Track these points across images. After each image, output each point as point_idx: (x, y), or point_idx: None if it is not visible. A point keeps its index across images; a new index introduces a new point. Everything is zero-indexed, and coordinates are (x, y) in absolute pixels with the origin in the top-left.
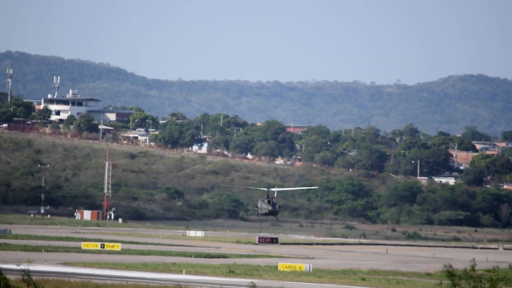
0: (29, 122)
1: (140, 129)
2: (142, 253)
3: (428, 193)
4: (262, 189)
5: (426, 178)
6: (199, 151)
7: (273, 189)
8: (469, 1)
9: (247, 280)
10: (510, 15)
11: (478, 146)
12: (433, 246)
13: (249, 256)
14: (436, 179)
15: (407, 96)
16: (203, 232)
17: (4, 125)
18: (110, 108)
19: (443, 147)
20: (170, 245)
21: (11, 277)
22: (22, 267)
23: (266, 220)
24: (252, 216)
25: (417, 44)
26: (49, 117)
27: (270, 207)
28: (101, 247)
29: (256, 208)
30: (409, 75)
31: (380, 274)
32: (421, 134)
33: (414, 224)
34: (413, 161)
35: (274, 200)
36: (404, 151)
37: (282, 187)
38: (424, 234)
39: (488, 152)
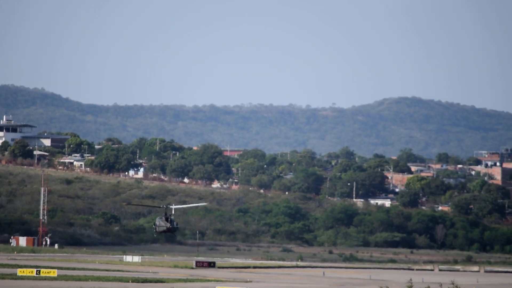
0: None
1: (75, 154)
2: (79, 278)
3: (364, 215)
4: (161, 206)
5: (362, 200)
6: (136, 176)
7: (170, 207)
8: (402, 26)
9: None
10: (443, 38)
11: (413, 168)
12: (370, 268)
13: (186, 280)
14: (372, 201)
15: (343, 119)
16: (140, 257)
17: None
18: (45, 134)
19: (379, 169)
20: (107, 270)
21: None
22: None
23: (204, 244)
24: (189, 240)
25: (352, 67)
26: None
27: (168, 224)
28: (37, 273)
29: (154, 226)
30: (344, 98)
31: None
32: (356, 157)
33: (351, 246)
34: (349, 184)
35: (172, 217)
36: (340, 174)
37: (218, 210)
38: (360, 256)
39: (423, 174)
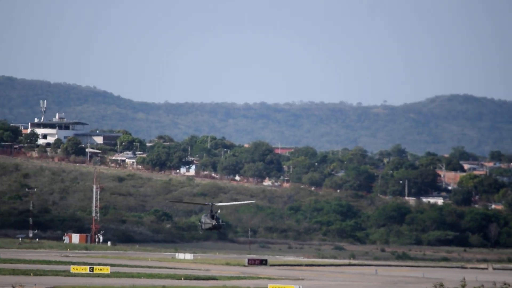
0: (16, 146)
1: (127, 152)
2: (132, 276)
3: (416, 214)
4: (206, 203)
5: (414, 198)
6: (187, 173)
7: (216, 204)
8: (454, 23)
9: None
10: (496, 35)
11: (466, 166)
12: (423, 267)
13: (238, 278)
14: (424, 199)
15: (394, 116)
16: (192, 254)
17: None
18: (97, 132)
19: (431, 167)
20: (159, 267)
21: None
22: None
23: (255, 241)
24: (241, 237)
25: (403, 65)
26: (36, 141)
27: (214, 222)
28: (90, 271)
29: (200, 223)
30: (395, 95)
31: None
32: (408, 155)
33: (403, 245)
34: (401, 182)
35: (217, 214)
36: (392, 172)
37: (269, 208)
38: (413, 254)
39: (476, 172)
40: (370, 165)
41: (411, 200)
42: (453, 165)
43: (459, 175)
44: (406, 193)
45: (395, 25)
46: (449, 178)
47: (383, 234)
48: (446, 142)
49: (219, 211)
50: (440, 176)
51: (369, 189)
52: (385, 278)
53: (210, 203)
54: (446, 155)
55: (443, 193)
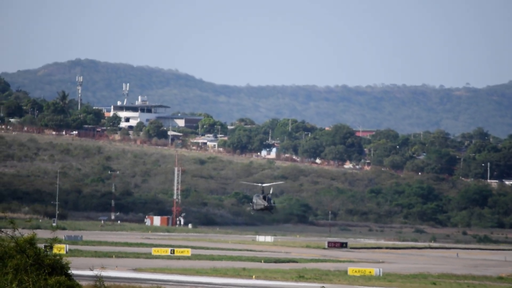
0: (99, 129)
1: (208, 135)
2: (212, 258)
3: (499, 196)
4: (257, 185)
5: (496, 181)
6: (268, 156)
7: (266, 185)
8: None
9: (316, 285)
10: None
11: None
12: (505, 250)
13: (318, 260)
14: (507, 182)
15: (477, 99)
16: (272, 237)
17: (74, 132)
18: (179, 114)
19: None
20: (240, 250)
21: (83, 283)
22: (94, 273)
23: (336, 224)
24: (322, 220)
25: (486, 47)
26: (119, 124)
27: (265, 203)
28: (171, 253)
29: (251, 204)
30: (478, 78)
31: (451, 278)
32: (491, 137)
33: (485, 228)
34: (483, 164)
35: (269, 195)
36: (474, 155)
37: (350, 191)
38: (495, 237)
39: None
40: (452, 148)
41: (494, 183)
42: None
43: None
44: (488, 176)
45: (479, 6)
46: None
47: (465, 217)
48: None
49: (271, 191)
50: None
51: (451, 172)
52: (466, 261)
53: (260, 184)
54: None
55: None
